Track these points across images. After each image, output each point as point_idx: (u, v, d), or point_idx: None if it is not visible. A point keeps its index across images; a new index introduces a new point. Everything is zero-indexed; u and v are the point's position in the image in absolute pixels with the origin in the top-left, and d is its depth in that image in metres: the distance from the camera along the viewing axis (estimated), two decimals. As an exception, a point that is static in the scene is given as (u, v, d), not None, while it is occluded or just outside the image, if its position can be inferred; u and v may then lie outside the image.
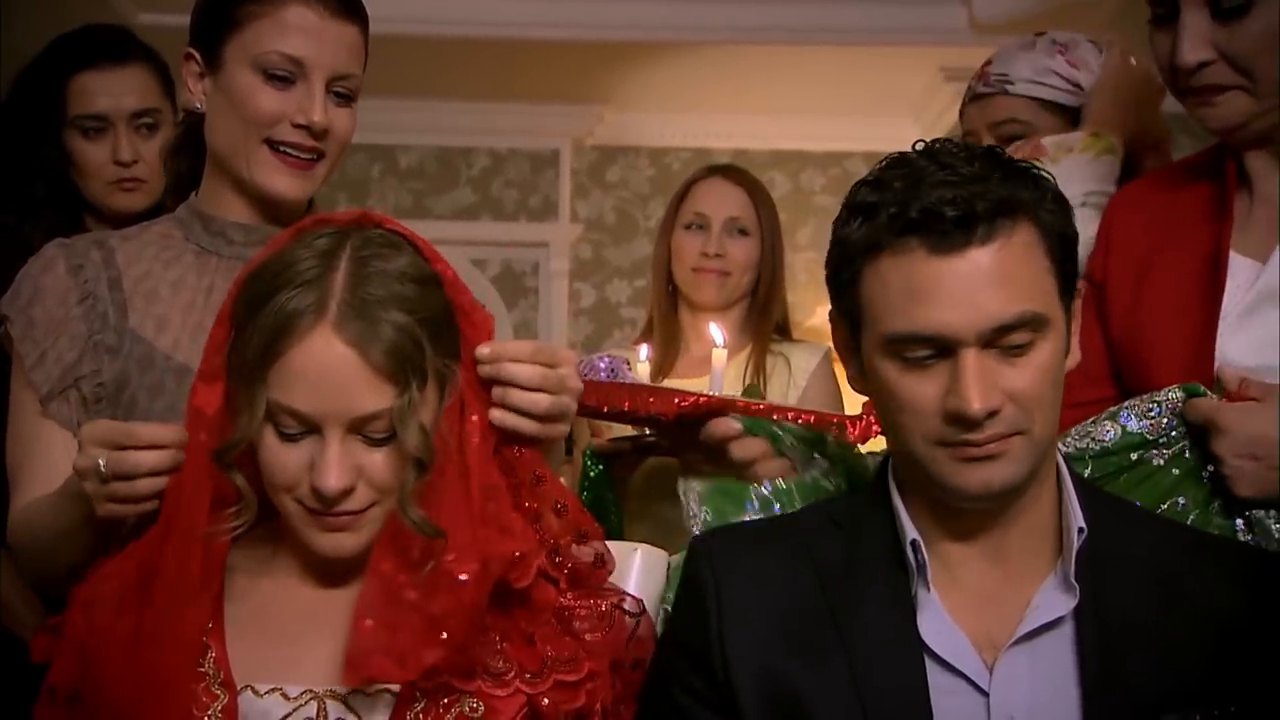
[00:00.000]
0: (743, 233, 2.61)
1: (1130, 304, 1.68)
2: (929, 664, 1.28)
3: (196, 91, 1.66)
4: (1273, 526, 1.49)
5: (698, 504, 1.65)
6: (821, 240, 1.41)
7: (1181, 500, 1.51)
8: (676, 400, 2.16)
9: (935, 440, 1.27)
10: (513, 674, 1.30)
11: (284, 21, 1.60)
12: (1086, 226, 1.56)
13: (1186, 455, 1.52)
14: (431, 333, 1.29)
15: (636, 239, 5.78)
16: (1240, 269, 1.62)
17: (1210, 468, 1.51)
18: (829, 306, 1.40)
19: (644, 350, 2.48)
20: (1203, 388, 1.53)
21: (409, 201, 5.67)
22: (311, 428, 1.26)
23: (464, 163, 5.69)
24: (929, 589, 1.30)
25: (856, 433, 2.14)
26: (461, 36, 4.82)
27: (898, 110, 5.41)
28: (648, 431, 2.20)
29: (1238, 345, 1.60)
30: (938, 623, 1.29)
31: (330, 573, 1.35)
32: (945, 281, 1.24)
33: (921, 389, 1.26)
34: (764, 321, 2.59)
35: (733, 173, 2.71)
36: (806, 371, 2.51)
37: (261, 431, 1.27)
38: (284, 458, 1.28)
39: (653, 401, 2.16)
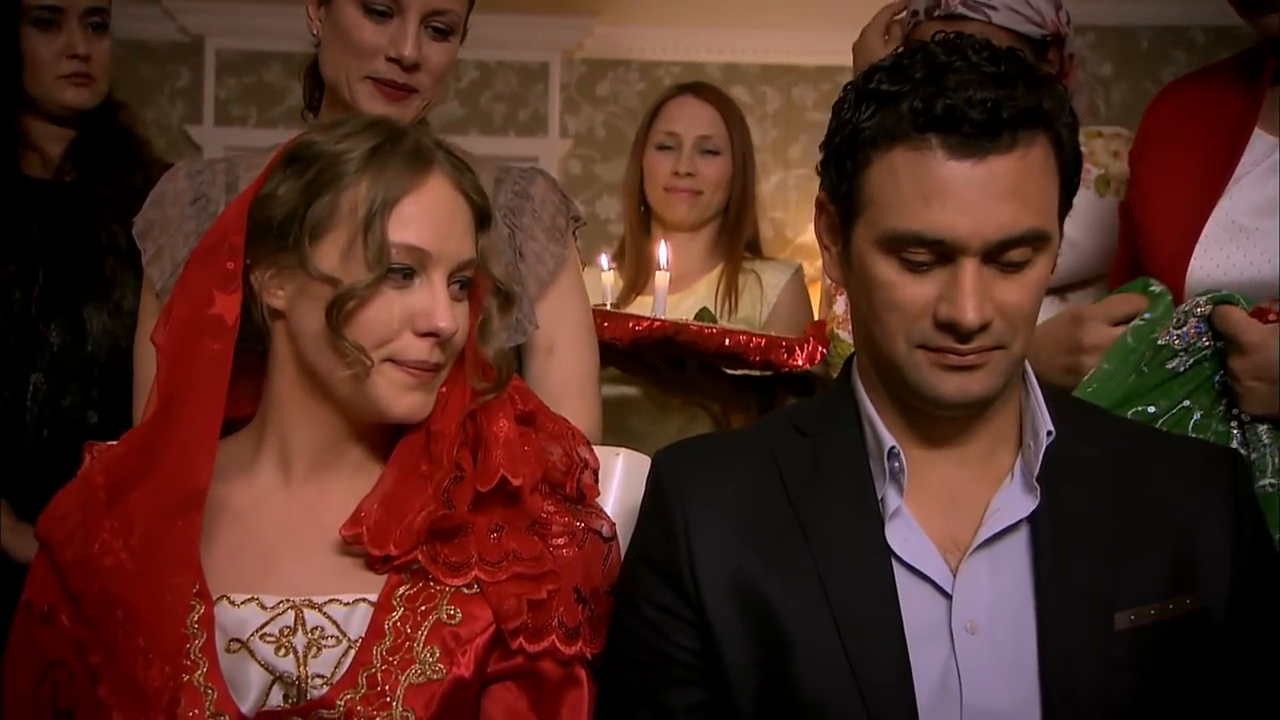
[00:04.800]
0: (714, 152, 2.61)
1: (1149, 173, 1.73)
2: (896, 569, 1.28)
3: (314, 20, 1.76)
4: (1264, 436, 1.53)
5: None
6: (813, 157, 1.39)
7: (1187, 402, 1.56)
8: (631, 325, 2.17)
9: (918, 343, 1.26)
10: (472, 561, 1.31)
11: None
12: None
13: (1205, 364, 1.55)
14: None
15: (626, 154, 5.68)
16: (1260, 143, 1.68)
17: (1221, 375, 1.56)
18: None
19: (604, 259, 2.49)
20: (1236, 295, 1.57)
21: (396, 115, 5.59)
22: (419, 271, 1.31)
23: (451, 75, 5.60)
24: (901, 495, 1.30)
25: (804, 356, 2.16)
26: (448, -55, 4.74)
27: (891, 24, 5.34)
28: None
29: (1241, 205, 1.65)
30: (905, 529, 1.30)
31: (310, 478, 1.36)
32: (960, 186, 1.21)
33: (916, 290, 1.25)
34: (735, 239, 2.61)
35: (703, 90, 2.71)
36: (777, 288, 2.54)
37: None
38: (392, 307, 1.30)
39: (607, 326, 2.17)
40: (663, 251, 2.39)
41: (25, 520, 2.01)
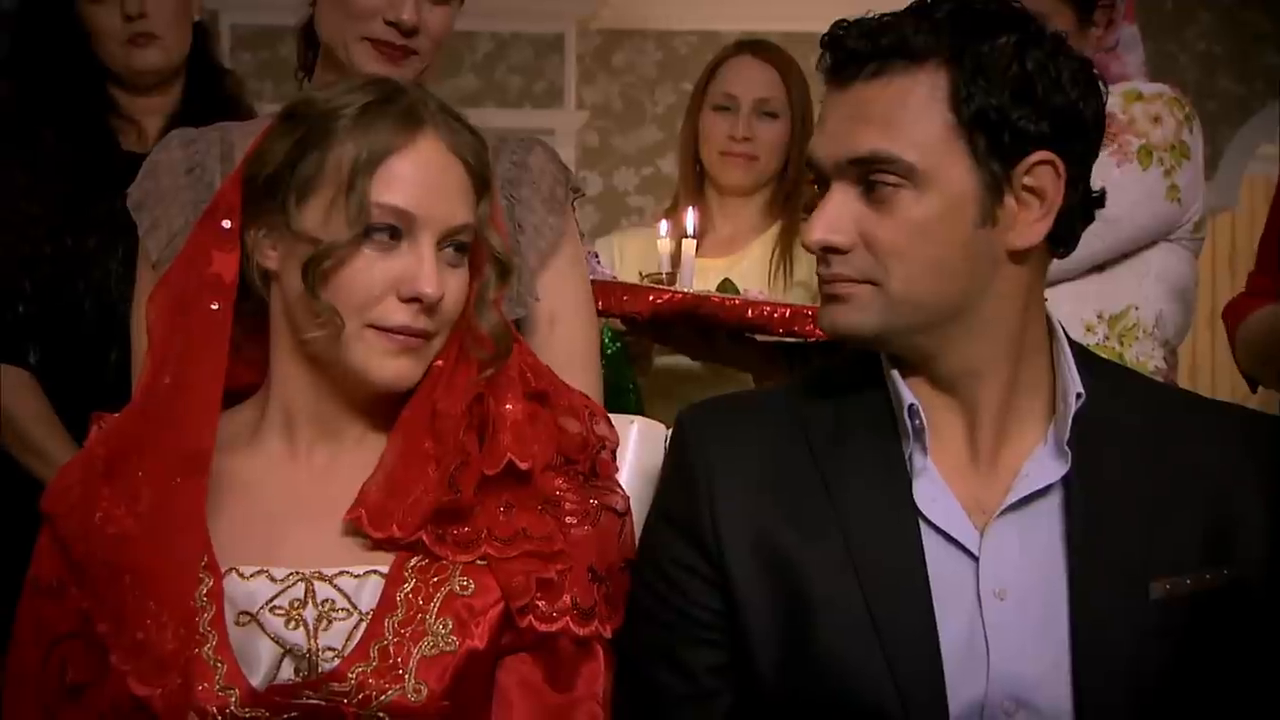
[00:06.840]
0: (772, 115, 2.54)
1: None
2: (922, 529, 1.26)
3: None
4: None
5: None
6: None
7: None
8: (651, 298, 2.13)
9: (817, 275, 1.29)
10: (481, 537, 1.29)
11: None
12: None
13: None
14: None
15: (644, 125, 5.69)
16: None
17: None
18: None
19: (664, 226, 2.44)
20: None
21: (411, 88, 5.57)
22: (405, 235, 1.28)
23: (466, 47, 5.58)
24: (925, 454, 1.28)
25: None
26: (462, -85, 4.70)
27: (911, -10, 5.28)
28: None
29: None
30: (932, 488, 1.27)
31: (316, 448, 1.34)
32: (830, 111, 1.27)
33: (812, 221, 1.28)
34: (792, 202, 2.54)
35: (763, 50, 2.61)
36: None
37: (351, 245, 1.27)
38: (373, 270, 1.27)
39: (626, 300, 2.13)
40: (690, 219, 2.35)
41: None
